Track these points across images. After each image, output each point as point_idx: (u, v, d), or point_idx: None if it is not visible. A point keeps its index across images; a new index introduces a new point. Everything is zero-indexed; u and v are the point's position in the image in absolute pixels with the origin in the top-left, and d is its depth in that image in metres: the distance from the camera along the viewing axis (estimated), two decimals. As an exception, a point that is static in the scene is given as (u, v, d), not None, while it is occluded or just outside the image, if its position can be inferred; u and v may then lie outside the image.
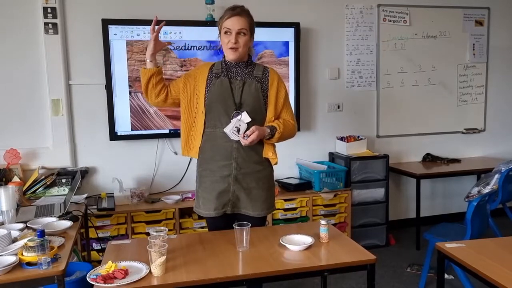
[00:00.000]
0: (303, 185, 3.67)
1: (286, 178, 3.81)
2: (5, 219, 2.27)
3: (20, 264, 1.78)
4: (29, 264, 1.78)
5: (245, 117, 2.14)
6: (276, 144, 2.29)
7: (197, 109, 2.23)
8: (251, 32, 2.17)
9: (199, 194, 2.29)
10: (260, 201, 2.23)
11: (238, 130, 2.12)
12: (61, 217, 2.39)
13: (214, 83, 2.19)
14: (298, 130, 3.82)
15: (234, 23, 2.11)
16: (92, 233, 3.09)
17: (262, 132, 2.14)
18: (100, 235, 3.14)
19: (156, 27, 2.15)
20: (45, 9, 3.25)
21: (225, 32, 2.14)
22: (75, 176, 2.95)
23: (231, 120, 2.15)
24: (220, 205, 2.21)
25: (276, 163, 2.29)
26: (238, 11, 2.13)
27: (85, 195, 3.07)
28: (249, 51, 2.25)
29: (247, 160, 2.19)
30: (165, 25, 3.45)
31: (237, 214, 2.25)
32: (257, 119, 2.19)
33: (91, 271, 1.72)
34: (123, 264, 1.77)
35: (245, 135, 2.09)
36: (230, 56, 2.17)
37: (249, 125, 2.13)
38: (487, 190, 2.91)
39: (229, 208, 2.22)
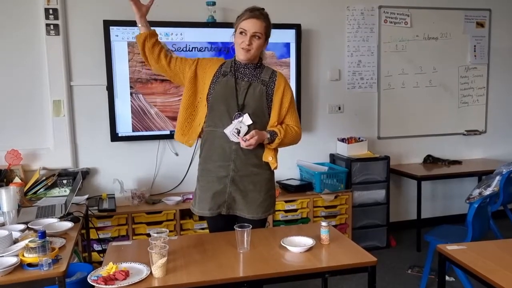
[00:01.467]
0: (304, 187, 3.67)
1: (287, 179, 3.81)
2: (6, 220, 2.28)
3: (21, 265, 1.78)
4: (30, 265, 1.78)
5: (246, 119, 2.13)
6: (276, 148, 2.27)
7: (200, 99, 2.21)
8: (266, 36, 2.17)
9: (196, 193, 2.30)
10: (256, 204, 2.22)
11: (238, 132, 2.12)
12: (62, 218, 2.39)
13: (220, 81, 2.18)
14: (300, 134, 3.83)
15: (250, 26, 2.10)
16: (93, 234, 3.10)
17: (262, 137, 2.13)
18: (101, 236, 3.14)
19: None
20: (46, 10, 3.25)
21: (241, 33, 2.13)
22: (76, 177, 2.95)
23: (232, 121, 2.14)
24: (215, 206, 2.21)
25: (275, 168, 2.26)
26: (257, 14, 2.12)
27: (86, 196, 3.07)
28: (261, 54, 2.25)
29: (245, 162, 2.18)
30: (166, 26, 3.49)
31: (236, 215, 2.24)
32: (259, 122, 2.18)
33: (92, 272, 1.72)
34: (124, 265, 1.77)
35: (244, 139, 2.08)
36: (241, 56, 2.16)
37: (250, 127, 2.13)
38: (488, 192, 2.91)
39: (224, 209, 2.22)
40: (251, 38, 2.11)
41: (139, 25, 2.19)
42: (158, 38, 2.23)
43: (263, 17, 2.14)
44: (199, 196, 2.26)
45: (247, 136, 2.08)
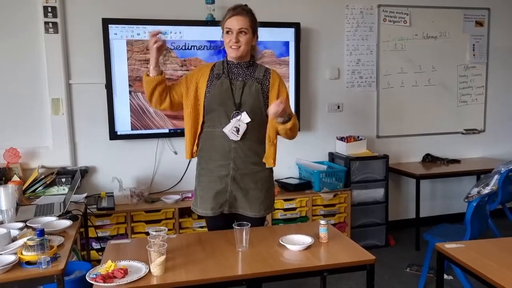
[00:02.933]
0: (303, 185, 3.67)
1: (286, 178, 3.81)
2: (4, 218, 2.28)
3: (19, 263, 1.78)
4: (28, 263, 1.78)
5: (244, 117, 2.14)
6: (276, 144, 2.28)
7: (199, 110, 2.22)
8: (253, 31, 2.17)
9: (197, 193, 2.29)
10: (258, 202, 2.23)
11: (237, 130, 2.13)
12: (60, 216, 2.39)
13: (214, 84, 2.19)
14: (298, 130, 3.83)
15: (234, 23, 2.11)
16: (91, 233, 3.09)
17: (287, 106, 2.07)
18: (100, 234, 3.14)
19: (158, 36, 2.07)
20: (45, 8, 3.24)
21: (227, 32, 2.14)
22: (74, 176, 2.95)
23: (231, 120, 2.15)
24: (217, 205, 2.21)
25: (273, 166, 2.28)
26: (239, 10, 2.13)
27: (84, 195, 3.07)
28: (253, 51, 2.25)
29: (245, 160, 2.19)
30: (165, 24, 3.49)
31: (236, 214, 2.25)
32: (257, 120, 2.19)
33: (91, 270, 1.72)
34: (123, 263, 1.77)
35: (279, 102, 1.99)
36: (231, 53, 2.17)
37: (248, 125, 2.14)
38: (486, 190, 2.92)
39: (226, 208, 2.22)
40: (237, 35, 2.12)
41: (152, 67, 2.10)
42: (166, 81, 2.17)
43: (246, 12, 2.15)
44: (201, 196, 2.26)
45: (277, 102, 2.01)
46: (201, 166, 2.27)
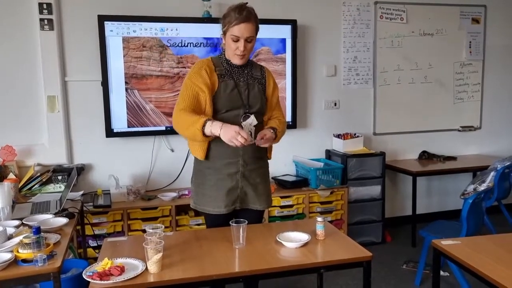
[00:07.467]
0: (300, 182, 3.67)
1: (283, 175, 3.82)
2: (0, 216, 2.27)
3: (15, 261, 1.78)
4: (24, 261, 1.77)
5: (253, 121, 2.15)
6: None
7: (208, 112, 2.14)
8: (256, 35, 2.14)
9: (204, 192, 2.24)
10: (265, 195, 2.29)
11: (251, 134, 2.12)
12: (57, 214, 2.39)
13: (220, 86, 2.13)
14: (295, 127, 3.84)
15: (243, 31, 2.05)
16: (88, 230, 3.09)
17: (271, 135, 2.14)
18: (96, 232, 3.13)
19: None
20: (40, 5, 3.23)
21: (233, 39, 2.07)
22: (71, 173, 2.94)
23: (242, 124, 2.12)
24: (230, 202, 2.21)
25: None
26: (247, 15, 2.04)
27: (81, 192, 3.06)
28: None
29: (252, 156, 2.20)
30: (161, 21, 3.48)
31: (241, 209, 2.26)
32: (261, 120, 2.21)
33: (87, 268, 1.72)
34: (119, 261, 1.77)
35: (260, 142, 2.09)
36: (236, 61, 2.14)
37: (255, 127, 2.16)
38: (482, 187, 2.93)
39: (238, 204, 2.24)
40: (245, 43, 2.08)
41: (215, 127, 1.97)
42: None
43: (253, 17, 2.08)
44: (209, 195, 2.22)
45: (259, 137, 2.09)
46: (205, 165, 2.22)
